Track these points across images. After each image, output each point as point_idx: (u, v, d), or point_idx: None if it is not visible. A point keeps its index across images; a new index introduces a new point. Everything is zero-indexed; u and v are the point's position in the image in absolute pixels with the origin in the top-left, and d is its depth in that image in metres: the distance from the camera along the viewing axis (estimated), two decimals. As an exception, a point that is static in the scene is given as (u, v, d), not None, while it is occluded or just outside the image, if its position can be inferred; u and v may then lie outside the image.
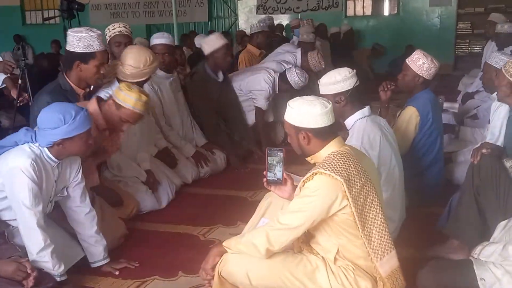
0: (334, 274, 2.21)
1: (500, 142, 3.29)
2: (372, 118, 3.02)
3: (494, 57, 3.93)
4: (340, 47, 9.87)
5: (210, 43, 4.99)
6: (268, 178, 2.42)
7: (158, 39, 4.59)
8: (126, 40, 4.24)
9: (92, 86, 3.55)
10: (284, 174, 2.41)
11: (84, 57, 3.24)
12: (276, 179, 2.41)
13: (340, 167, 2.13)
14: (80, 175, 2.88)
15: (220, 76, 5.13)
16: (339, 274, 2.21)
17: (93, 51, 3.24)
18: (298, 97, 2.31)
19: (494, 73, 3.82)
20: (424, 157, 3.67)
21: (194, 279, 2.83)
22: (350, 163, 2.16)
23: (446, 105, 5.51)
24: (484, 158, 2.74)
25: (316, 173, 2.14)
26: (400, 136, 3.45)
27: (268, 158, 2.40)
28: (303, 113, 2.23)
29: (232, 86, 5.37)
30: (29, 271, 2.49)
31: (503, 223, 2.56)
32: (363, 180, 2.16)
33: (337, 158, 2.17)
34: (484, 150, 2.76)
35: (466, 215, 2.83)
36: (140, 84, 3.72)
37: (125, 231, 3.43)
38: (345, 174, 2.11)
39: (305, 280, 2.23)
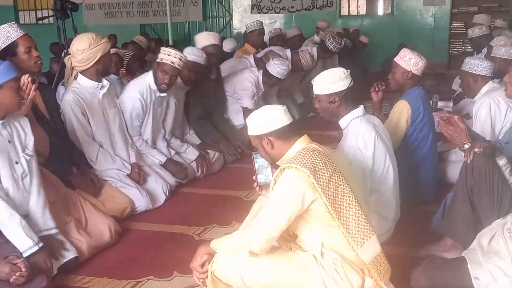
0: (325, 269, 2.23)
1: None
2: (366, 118, 3.03)
3: (467, 63, 4.04)
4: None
5: (198, 41, 5.07)
6: (259, 181, 2.44)
7: (191, 56, 4.59)
8: (174, 73, 4.15)
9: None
10: (274, 174, 2.42)
11: (10, 50, 3.21)
12: (268, 181, 2.43)
13: (306, 160, 2.18)
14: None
15: (213, 74, 5.16)
16: (330, 268, 2.23)
17: (13, 40, 3.22)
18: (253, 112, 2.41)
19: (471, 78, 3.99)
20: (416, 151, 3.70)
21: (189, 279, 2.82)
22: (316, 156, 2.21)
23: (440, 104, 5.55)
24: (477, 157, 2.76)
25: (284, 169, 2.20)
26: (392, 129, 3.49)
27: (256, 161, 2.43)
28: (259, 120, 2.34)
29: (223, 86, 5.41)
30: (23, 269, 2.50)
31: (497, 221, 2.57)
32: (330, 171, 2.20)
33: (303, 153, 2.23)
34: (476, 149, 2.76)
35: (460, 214, 2.84)
36: (105, 69, 3.82)
37: (116, 227, 3.39)
38: (311, 166, 2.16)
39: (298, 276, 2.24)
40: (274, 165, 2.41)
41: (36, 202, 2.84)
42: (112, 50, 5.52)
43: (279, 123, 2.31)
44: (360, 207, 2.23)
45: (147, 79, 4.24)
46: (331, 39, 6.49)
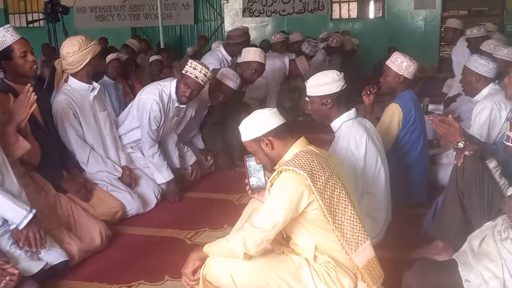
0: (317, 273, 2.23)
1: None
2: (358, 121, 3.04)
3: (473, 61, 3.92)
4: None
5: (246, 54, 5.02)
6: (251, 184, 2.44)
7: (226, 79, 4.59)
8: (196, 88, 4.03)
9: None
10: (266, 178, 2.43)
11: (6, 54, 3.20)
12: (261, 184, 2.43)
13: (303, 163, 2.19)
14: None
15: (245, 87, 5.15)
16: (322, 272, 2.23)
17: (8, 44, 3.20)
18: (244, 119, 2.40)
19: (474, 77, 3.89)
20: (408, 154, 3.71)
21: (180, 283, 2.80)
22: (314, 159, 2.22)
23: (431, 107, 5.58)
24: (467, 160, 2.77)
25: (281, 171, 2.20)
26: (383, 132, 3.50)
27: (249, 164, 2.42)
28: (254, 123, 2.34)
29: (244, 94, 5.32)
30: (15, 272, 2.51)
31: (488, 223, 2.58)
32: (327, 174, 2.20)
33: (300, 156, 2.23)
34: (467, 152, 2.78)
35: (451, 217, 2.85)
36: (95, 71, 3.83)
37: (107, 231, 3.38)
38: (308, 169, 2.16)
39: (289, 279, 2.24)
40: (272, 168, 2.40)
41: (10, 188, 2.79)
42: (113, 56, 5.54)
43: (274, 123, 2.32)
44: (355, 211, 2.24)
45: (170, 85, 4.16)
46: (306, 44, 6.55)
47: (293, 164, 2.18)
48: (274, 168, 2.37)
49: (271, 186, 2.23)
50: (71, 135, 3.70)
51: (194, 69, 3.98)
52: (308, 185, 2.14)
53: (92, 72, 3.81)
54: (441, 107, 5.83)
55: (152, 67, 6.74)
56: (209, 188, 4.57)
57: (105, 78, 5.43)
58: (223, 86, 4.59)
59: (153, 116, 4.09)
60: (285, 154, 2.33)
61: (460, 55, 6.70)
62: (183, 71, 4.06)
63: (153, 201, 4.07)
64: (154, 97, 4.08)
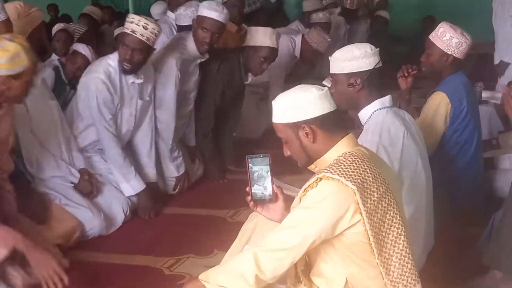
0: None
1: None
2: (394, 110, 2.99)
3: None
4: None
5: (253, 35, 4.99)
6: (254, 193, 2.38)
7: (207, 10, 4.47)
8: (136, 47, 3.96)
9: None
10: (274, 186, 2.38)
11: None
12: (267, 194, 2.37)
13: (352, 172, 2.10)
14: None
15: (249, 79, 5.15)
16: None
17: None
18: (282, 93, 2.29)
19: None
20: (457, 158, 3.71)
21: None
22: (366, 167, 2.14)
23: (485, 94, 5.55)
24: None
25: (321, 178, 2.12)
26: (426, 129, 3.45)
27: (252, 168, 2.35)
28: (298, 103, 2.21)
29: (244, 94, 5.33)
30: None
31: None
32: (381, 190, 2.13)
33: (349, 161, 2.14)
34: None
35: (511, 241, 2.84)
36: (41, 45, 4.04)
37: (62, 262, 3.35)
38: (359, 181, 2.09)
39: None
40: (305, 167, 2.33)
41: None
42: (60, 26, 5.50)
43: (324, 107, 2.20)
44: (408, 244, 2.17)
45: (116, 57, 4.12)
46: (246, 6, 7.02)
47: (339, 171, 2.10)
48: (309, 167, 2.31)
49: (304, 194, 2.16)
50: (18, 126, 3.61)
51: (130, 23, 3.95)
52: (356, 201, 2.07)
53: (35, 47, 3.80)
54: (499, 94, 5.79)
55: (118, 41, 6.71)
56: (194, 201, 4.59)
57: (53, 57, 5.36)
58: (206, 20, 4.45)
59: (102, 101, 4.05)
60: (327, 152, 2.23)
61: (500, 16, 6.71)
62: (125, 27, 4.03)
63: (120, 218, 4.07)
64: (97, 75, 4.06)
